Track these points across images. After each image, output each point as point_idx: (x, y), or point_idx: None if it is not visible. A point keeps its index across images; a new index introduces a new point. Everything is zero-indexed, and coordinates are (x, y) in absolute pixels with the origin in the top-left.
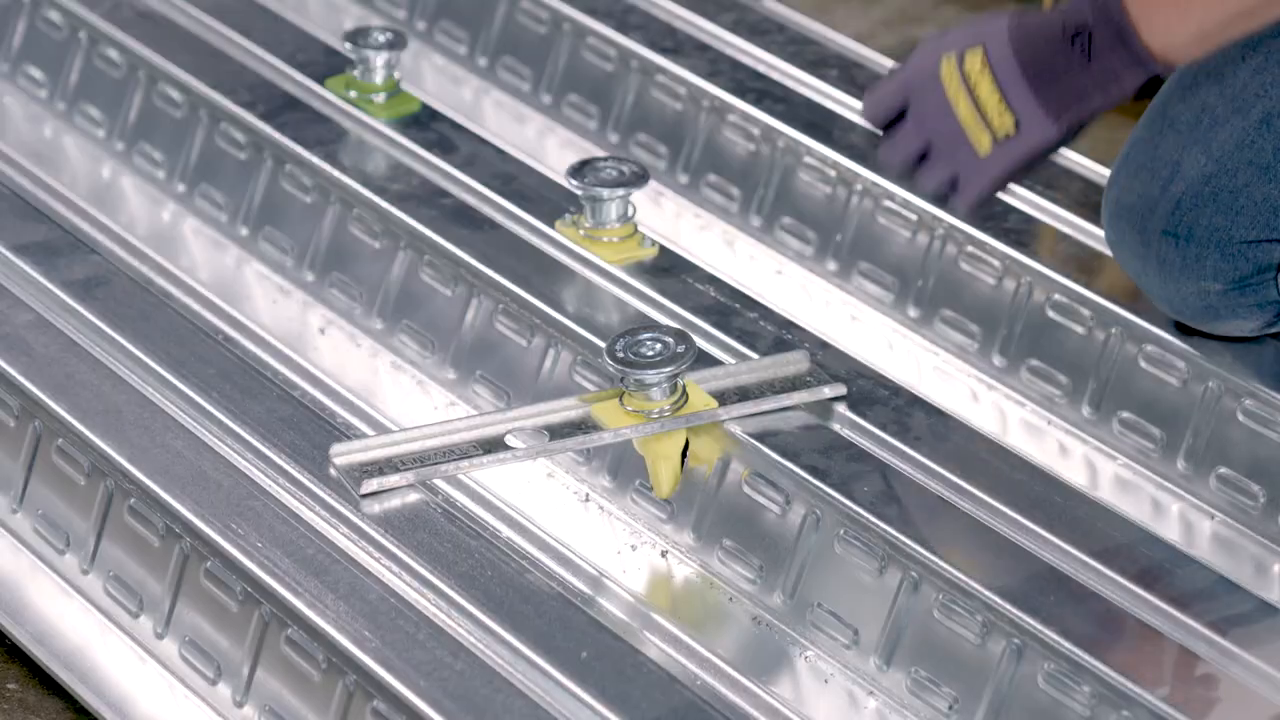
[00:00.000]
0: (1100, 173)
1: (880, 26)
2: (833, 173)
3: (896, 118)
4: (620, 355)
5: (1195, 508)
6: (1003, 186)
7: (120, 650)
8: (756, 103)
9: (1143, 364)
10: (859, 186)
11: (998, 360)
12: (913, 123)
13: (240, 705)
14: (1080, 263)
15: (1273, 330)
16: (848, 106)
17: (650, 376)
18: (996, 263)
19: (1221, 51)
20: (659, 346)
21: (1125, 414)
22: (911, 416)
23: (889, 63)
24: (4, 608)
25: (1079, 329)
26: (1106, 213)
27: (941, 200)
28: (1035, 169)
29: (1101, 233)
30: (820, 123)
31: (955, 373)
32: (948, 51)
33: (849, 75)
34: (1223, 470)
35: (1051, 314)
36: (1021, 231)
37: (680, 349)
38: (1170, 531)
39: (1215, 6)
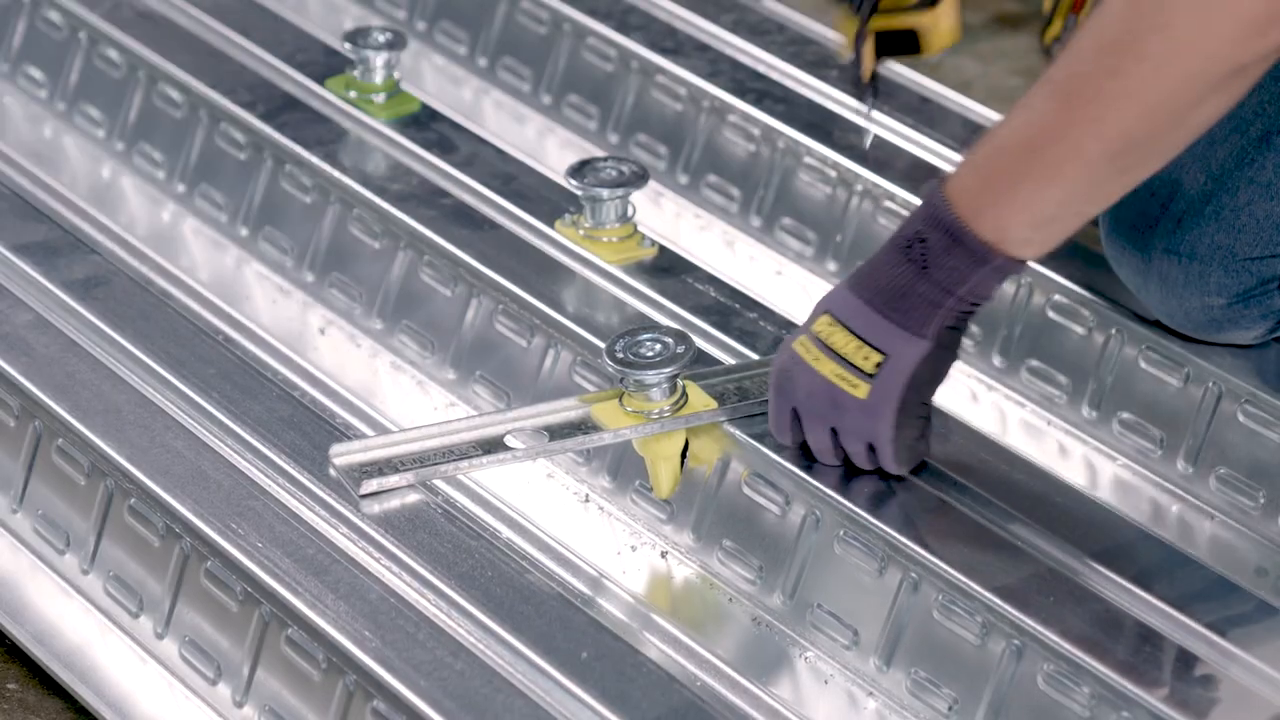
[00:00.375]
0: None
1: None
2: (833, 173)
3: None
4: (620, 356)
5: (1195, 508)
6: (908, 421)
7: (120, 650)
8: (756, 103)
9: (1143, 365)
10: (859, 187)
11: (998, 361)
12: (805, 418)
13: (240, 705)
14: (1080, 264)
15: (1272, 336)
16: (848, 107)
17: (650, 377)
18: None
19: None
20: (658, 347)
21: (1125, 415)
22: None
23: (889, 62)
24: (4, 608)
25: (1079, 330)
26: (1105, 229)
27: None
28: (933, 389)
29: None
30: (820, 123)
31: (955, 373)
32: (790, 339)
33: (850, 76)
34: (1222, 471)
35: (1052, 315)
36: None
37: (679, 349)
38: (1170, 532)
39: (1038, 196)
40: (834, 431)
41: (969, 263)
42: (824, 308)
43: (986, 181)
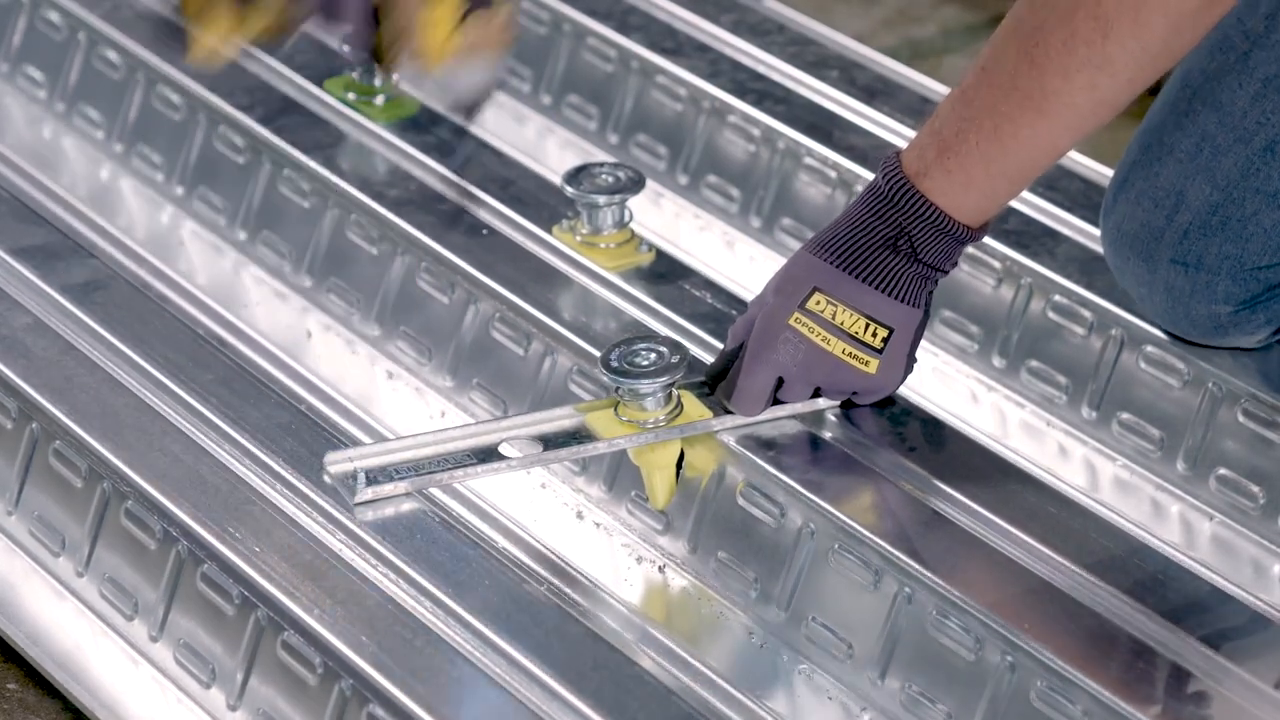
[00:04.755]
0: (1101, 171)
1: (880, 26)
2: (833, 174)
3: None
4: (614, 365)
5: (1195, 509)
6: (906, 376)
7: (113, 653)
8: (757, 104)
9: (1142, 365)
10: (859, 188)
11: (997, 362)
12: (796, 384)
13: (234, 709)
14: (1080, 264)
15: (1275, 340)
16: (848, 108)
17: (644, 386)
18: (996, 264)
19: (1215, 77)
20: (653, 356)
21: (1125, 415)
22: (907, 427)
23: (890, 62)
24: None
25: (1079, 330)
26: (1108, 239)
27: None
28: (918, 345)
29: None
30: (820, 124)
31: (955, 374)
32: (781, 312)
33: (850, 76)
34: (1222, 471)
35: (1051, 315)
36: (1022, 233)
37: (674, 359)
38: (1169, 533)
39: (1010, 180)
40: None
41: (953, 244)
42: (807, 284)
43: (966, 184)
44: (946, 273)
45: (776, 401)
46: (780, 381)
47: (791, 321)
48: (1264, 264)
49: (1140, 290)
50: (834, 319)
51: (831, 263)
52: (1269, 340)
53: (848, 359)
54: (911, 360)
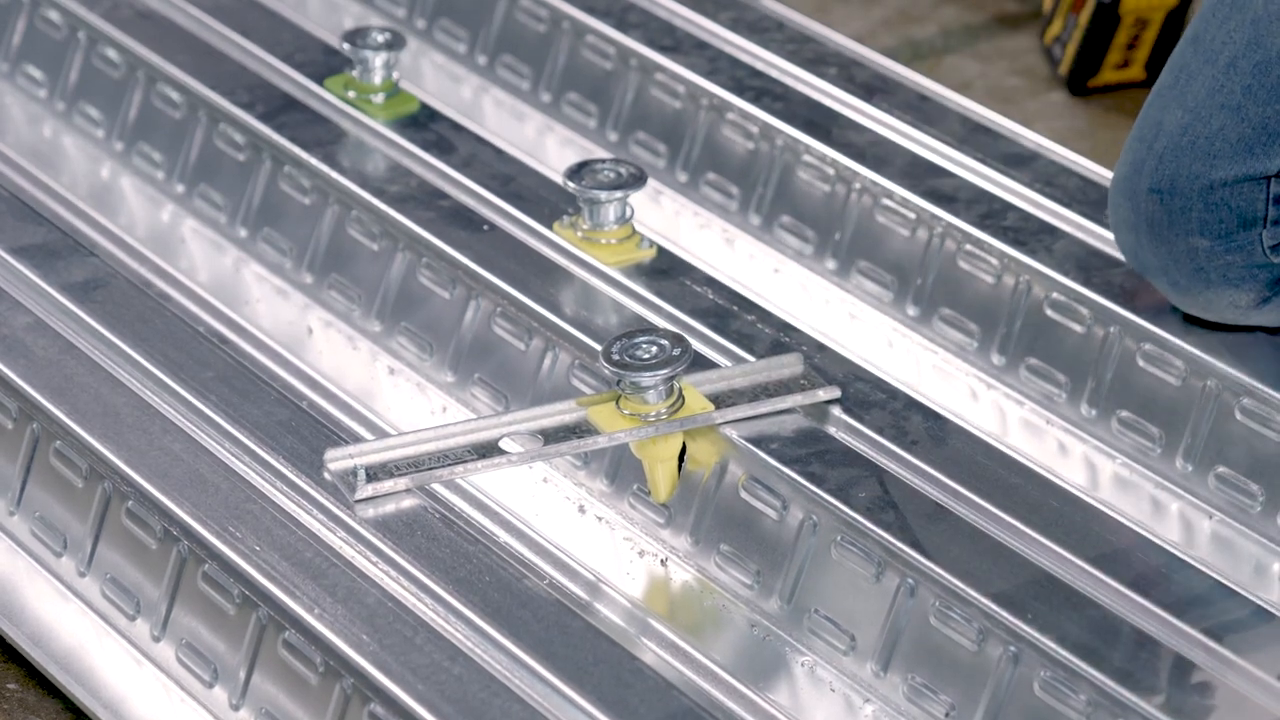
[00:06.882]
0: (1099, 170)
1: (880, 26)
2: (831, 171)
3: None
4: (616, 358)
5: (1194, 507)
6: None
7: (116, 653)
8: (755, 101)
9: (1142, 362)
10: (858, 185)
11: (997, 359)
12: None
13: (236, 709)
14: (1079, 261)
15: (1266, 309)
16: (847, 105)
17: (646, 379)
18: (995, 261)
19: (1202, 17)
20: (655, 349)
21: (1124, 413)
22: (908, 420)
23: (889, 62)
24: (1, 610)
25: (1078, 327)
26: (1110, 195)
27: None
28: None
29: (1100, 230)
30: (819, 121)
31: (954, 371)
32: None
33: (848, 74)
34: (1222, 469)
35: (1050, 312)
36: (1020, 230)
37: (676, 351)
38: (1169, 531)
39: None
40: None
41: None
42: None
43: None
44: None
45: None
46: None
47: None
48: (1231, 179)
49: (1131, 239)
50: None
51: None
52: (1259, 306)
53: None
54: None
